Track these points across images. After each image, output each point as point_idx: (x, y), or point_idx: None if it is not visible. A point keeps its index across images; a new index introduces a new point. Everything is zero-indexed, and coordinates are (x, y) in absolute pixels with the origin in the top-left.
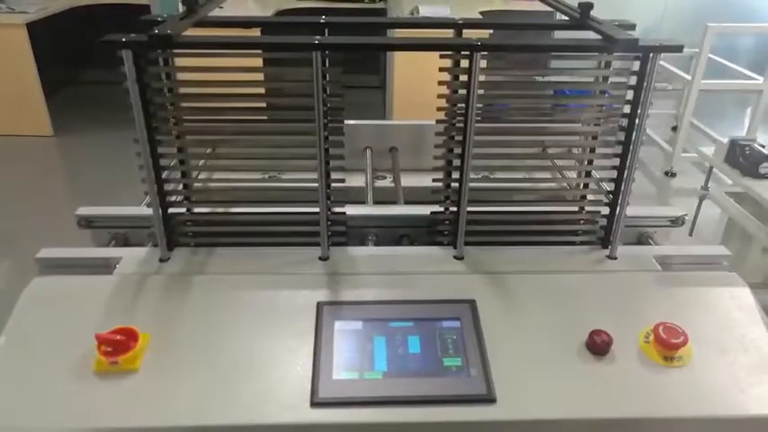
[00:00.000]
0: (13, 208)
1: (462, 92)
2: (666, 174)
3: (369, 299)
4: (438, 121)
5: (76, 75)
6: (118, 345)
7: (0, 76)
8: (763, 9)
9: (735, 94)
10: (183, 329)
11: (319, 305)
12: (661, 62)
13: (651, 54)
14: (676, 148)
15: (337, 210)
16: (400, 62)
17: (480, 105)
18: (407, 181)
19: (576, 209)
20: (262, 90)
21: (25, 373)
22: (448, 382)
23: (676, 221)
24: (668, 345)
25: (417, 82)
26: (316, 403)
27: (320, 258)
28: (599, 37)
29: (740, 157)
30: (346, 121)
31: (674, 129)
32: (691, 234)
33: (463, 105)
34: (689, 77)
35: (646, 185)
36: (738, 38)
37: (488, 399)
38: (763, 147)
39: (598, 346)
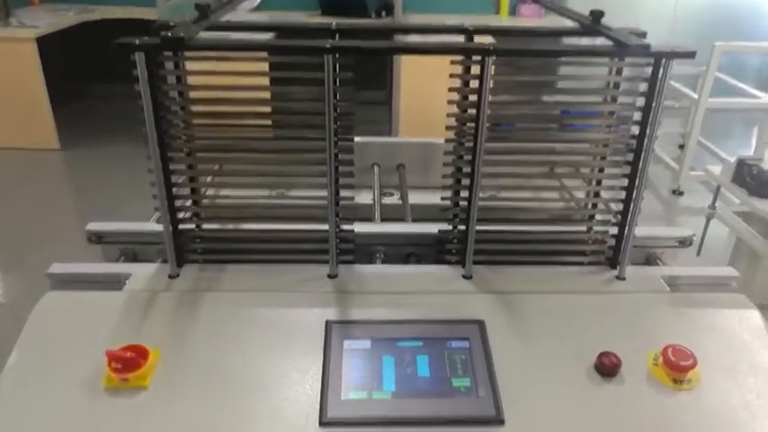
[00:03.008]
0: (20, 222)
1: (473, 98)
2: (674, 192)
3: (377, 318)
4: (447, 140)
5: (84, 89)
6: (128, 362)
7: (9, 89)
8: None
9: (742, 113)
10: (192, 346)
11: (328, 324)
12: (671, 82)
13: (663, 60)
14: (684, 166)
15: (346, 227)
16: (407, 77)
17: (488, 125)
18: (415, 198)
19: (585, 228)
20: (270, 108)
21: (36, 389)
22: (456, 403)
23: (684, 242)
24: (677, 367)
25: (424, 98)
26: (324, 423)
27: (329, 276)
28: (610, 43)
29: (747, 176)
30: (354, 138)
31: (682, 147)
32: (699, 254)
33: (472, 125)
34: (695, 96)
35: (653, 204)
36: (746, 56)
37: (497, 420)
38: None
39: (607, 367)
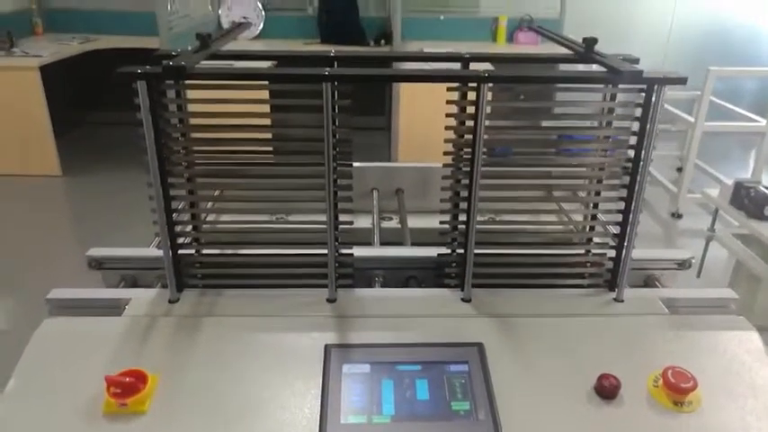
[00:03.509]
0: (21, 247)
1: (470, 123)
2: (673, 215)
3: (376, 341)
4: (444, 165)
5: (85, 117)
6: (127, 387)
7: (13, 116)
8: (765, 53)
9: (739, 137)
10: (191, 371)
11: (327, 348)
12: (666, 106)
13: (656, 86)
14: (682, 189)
15: (345, 251)
16: (406, 103)
17: (485, 150)
18: (414, 222)
19: (583, 251)
20: (270, 135)
21: (35, 415)
22: (456, 427)
23: (683, 264)
24: (678, 389)
25: (423, 123)
26: None
27: (328, 300)
28: (604, 70)
29: (745, 198)
30: (353, 164)
31: (680, 170)
32: (698, 276)
33: (469, 150)
34: (692, 120)
35: (652, 227)
36: (741, 81)
37: None
38: None
39: (607, 390)
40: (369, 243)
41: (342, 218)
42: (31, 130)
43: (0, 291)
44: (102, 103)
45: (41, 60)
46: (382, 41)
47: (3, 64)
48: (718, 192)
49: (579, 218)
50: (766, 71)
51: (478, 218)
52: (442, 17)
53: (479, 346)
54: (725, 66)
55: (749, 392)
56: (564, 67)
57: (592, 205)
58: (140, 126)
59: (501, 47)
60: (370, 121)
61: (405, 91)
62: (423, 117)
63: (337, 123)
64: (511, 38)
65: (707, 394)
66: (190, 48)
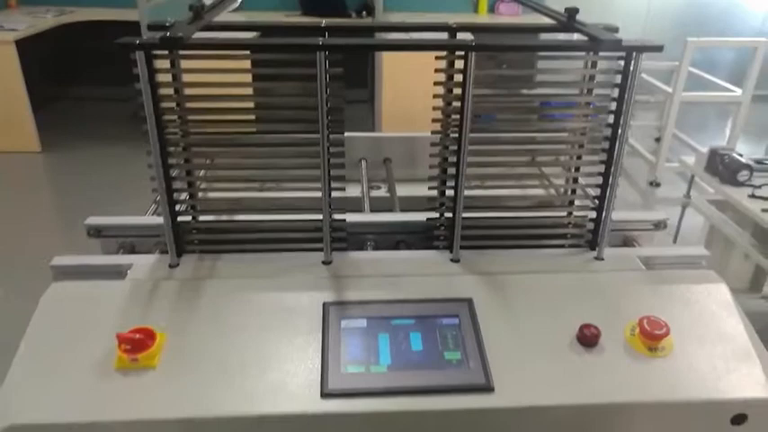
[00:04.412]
0: (1, 223)
1: (457, 91)
2: (651, 184)
3: (372, 299)
4: (433, 132)
5: (63, 91)
6: (137, 343)
7: None
8: (741, 24)
9: (717, 107)
10: (196, 329)
11: (325, 305)
12: (643, 75)
13: (634, 53)
14: (660, 158)
15: (338, 216)
16: (388, 75)
17: (471, 117)
18: (402, 191)
19: (565, 213)
20: (262, 103)
21: (50, 372)
22: (448, 374)
23: (659, 225)
24: (652, 336)
25: (406, 94)
26: (326, 394)
27: (323, 262)
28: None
29: (720, 165)
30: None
31: (658, 140)
32: (674, 241)
33: (457, 117)
34: (670, 90)
35: (632, 195)
36: (718, 52)
37: (487, 388)
38: (741, 156)
39: (588, 338)
40: (360, 211)
41: (335, 184)
42: (9, 106)
43: None
44: (80, 77)
45: (17, 34)
46: (363, 13)
47: None
48: (694, 159)
49: (561, 182)
50: (743, 41)
51: (466, 184)
52: None
53: (469, 301)
54: (703, 37)
55: (717, 339)
56: (546, 36)
57: (573, 169)
58: (139, 96)
59: (483, 17)
60: (353, 94)
61: (387, 63)
62: (406, 88)
63: (329, 92)
64: (492, 9)
65: (678, 341)
66: (169, 19)
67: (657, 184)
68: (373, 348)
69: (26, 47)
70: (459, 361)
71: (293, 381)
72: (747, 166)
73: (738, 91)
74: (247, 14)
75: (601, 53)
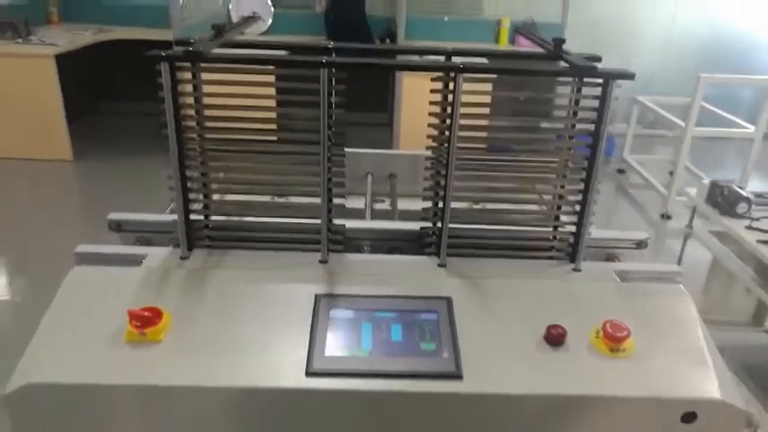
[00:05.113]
0: (30, 227)
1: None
2: (662, 216)
3: (359, 293)
4: (427, 147)
5: (97, 105)
6: (146, 320)
7: (28, 102)
8: (762, 62)
9: (736, 144)
10: (200, 311)
11: (317, 297)
12: (660, 110)
13: (609, 80)
14: (671, 191)
15: (337, 222)
16: (407, 98)
17: (463, 135)
18: (404, 205)
19: (549, 228)
20: (272, 115)
21: (67, 341)
22: (423, 362)
23: (641, 244)
24: (613, 338)
25: (422, 118)
26: (310, 373)
27: (320, 261)
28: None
29: (719, 197)
30: (350, 150)
31: (672, 174)
32: None
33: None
34: (683, 125)
35: (643, 227)
36: (739, 90)
37: (456, 375)
38: (741, 188)
39: (554, 337)
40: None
41: (335, 190)
42: (45, 116)
43: (13, 262)
44: (113, 92)
45: (57, 49)
46: (387, 40)
47: (20, 52)
48: (696, 191)
49: (548, 197)
50: (756, 79)
51: (457, 195)
52: (446, 18)
53: (448, 299)
54: (722, 73)
55: (676, 345)
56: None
57: (559, 187)
58: (162, 103)
59: (502, 48)
60: (372, 117)
61: (406, 87)
62: (422, 111)
63: (332, 105)
64: (512, 40)
65: (640, 345)
66: (194, 37)
67: (669, 217)
68: (356, 336)
69: (65, 61)
70: (433, 351)
71: (283, 360)
72: (746, 199)
73: (751, 128)
74: (274, 38)
75: (585, 80)
